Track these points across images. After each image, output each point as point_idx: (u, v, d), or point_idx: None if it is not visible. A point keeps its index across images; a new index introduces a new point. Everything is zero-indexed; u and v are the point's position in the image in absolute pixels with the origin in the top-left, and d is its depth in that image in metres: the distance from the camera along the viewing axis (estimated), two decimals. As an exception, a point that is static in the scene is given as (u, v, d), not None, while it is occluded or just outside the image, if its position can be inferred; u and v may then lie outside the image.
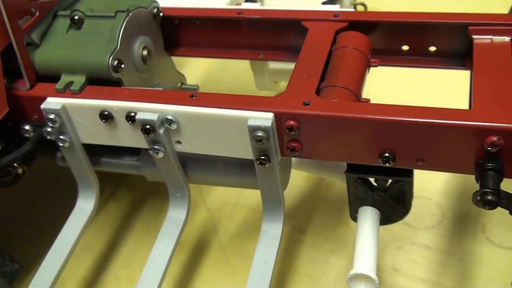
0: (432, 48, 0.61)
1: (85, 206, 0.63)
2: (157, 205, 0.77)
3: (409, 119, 0.47)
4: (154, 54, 0.64)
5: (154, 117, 0.53)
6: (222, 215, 0.75)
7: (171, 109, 0.53)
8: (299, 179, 0.75)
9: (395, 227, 0.68)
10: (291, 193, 0.75)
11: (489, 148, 0.46)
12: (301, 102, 0.51)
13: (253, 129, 0.50)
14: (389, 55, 0.62)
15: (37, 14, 0.59)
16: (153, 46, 0.63)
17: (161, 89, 0.64)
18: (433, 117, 0.47)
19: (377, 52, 0.62)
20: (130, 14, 0.59)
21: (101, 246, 0.73)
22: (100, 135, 0.58)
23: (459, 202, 0.70)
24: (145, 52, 0.61)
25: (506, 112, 0.46)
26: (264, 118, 0.50)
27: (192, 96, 0.54)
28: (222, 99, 0.53)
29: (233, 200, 0.76)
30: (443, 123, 0.46)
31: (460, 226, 0.67)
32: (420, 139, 0.48)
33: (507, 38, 0.55)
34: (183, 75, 0.72)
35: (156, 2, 0.64)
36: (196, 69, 0.99)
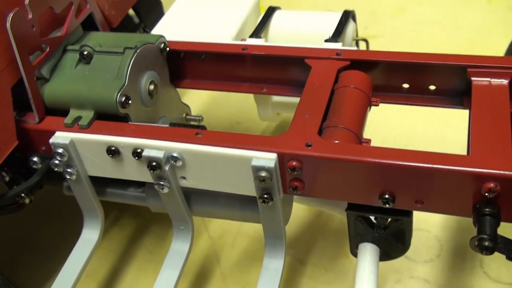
0: (432, 87, 0.62)
1: (90, 236, 0.64)
2: (160, 232, 0.78)
3: (409, 164, 0.49)
4: (160, 87, 0.66)
5: (160, 154, 0.54)
6: (223, 244, 0.76)
7: (176, 146, 0.54)
8: (300, 209, 0.77)
9: (394, 260, 0.69)
10: (292, 222, 0.76)
11: (486, 194, 0.47)
12: (304, 143, 0.52)
13: (256, 169, 0.52)
14: (389, 92, 0.64)
15: (47, 49, 0.60)
16: (159, 80, 0.65)
17: (167, 122, 0.66)
18: (432, 162, 0.48)
19: (378, 88, 0.63)
20: (138, 51, 0.60)
21: (104, 272, 0.74)
22: (107, 169, 0.59)
23: (457, 235, 0.71)
24: (151, 87, 0.63)
25: (503, 158, 0.48)
26: (267, 159, 0.52)
27: (197, 134, 0.55)
28: (226, 138, 0.54)
29: (235, 229, 0.77)
30: (442, 168, 0.48)
31: (459, 260, 0.68)
32: (419, 182, 0.49)
33: (505, 81, 0.57)
34: (188, 106, 0.73)
35: (163, 37, 0.65)
36: (200, 94, 1.00)
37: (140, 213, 0.81)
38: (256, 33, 0.69)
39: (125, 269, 0.74)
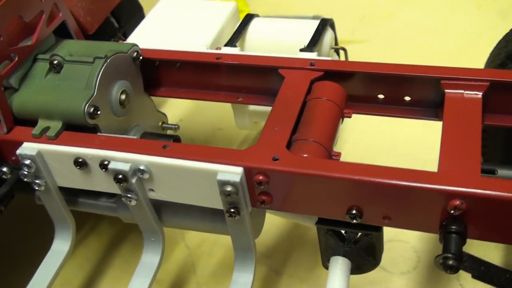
0: (407, 98, 0.61)
1: (60, 247, 0.63)
2: (137, 241, 0.77)
3: (375, 180, 0.48)
4: (133, 96, 0.65)
5: (126, 167, 0.54)
6: (200, 253, 0.75)
7: (143, 159, 0.54)
8: (277, 218, 0.76)
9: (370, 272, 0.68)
10: (269, 232, 0.75)
11: (452, 212, 0.46)
12: (271, 157, 0.51)
13: (222, 184, 0.51)
14: (364, 103, 0.63)
15: (16, 59, 0.59)
16: (132, 89, 0.64)
17: (140, 132, 0.65)
18: (398, 179, 0.47)
19: (353, 99, 0.62)
20: (108, 60, 0.60)
21: (79, 282, 0.74)
22: (76, 180, 0.59)
23: (435, 247, 0.70)
24: (123, 96, 0.62)
25: (470, 175, 0.47)
26: (233, 173, 0.51)
27: (164, 146, 0.55)
28: (193, 151, 0.53)
29: (212, 238, 0.76)
30: (408, 185, 0.47)
31: (435, 272, 0.68)
32: (386, 198, 0.49)
33: (478, 94, 0.56)
34: (164, 114, 0.73)
35: (136, 46, 0.64)
36: (182, 99, 1.00)
37: (118, 221, 0.80)
38: (231, 42, 0.68)
39: (100, 278, 0.74)
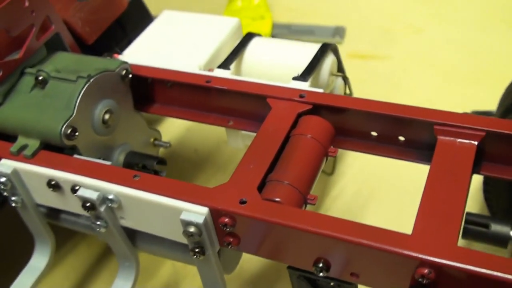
0: (401, 138, 0.58)
1: (38, 263, 0.63)
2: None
3: (343, 237, 0.45)
4: (120, 115, 0.63)
5: (94, 195, 0.52)
6: (186, 273, 0.74)
7: (112, 188, 0.52)
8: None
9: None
10: (256, 258, 0.73)
11: (419, 280, 0.43)
12: (239, 199, 0.49)
13: (185, 224, 0.49)
14: (356, 138, 0.59)
15: (1, 73, 0.59)
16: (118, 108, 0.63)
17: (127, 150, 0.64)
18: (367, 238, 0.44)
19: (344, 133, 0.59)
20: (91, 80, 0.58)
21: (63, 292, 0.74)
22: (51, 199, 0.58)
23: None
24: (107, 116, 0.61)
25: (444, 243, 0.43)
26: (197, 213, 0.49)
27: (135, 176, 0.53)
28: (162, 185, 0.51)
29: (200, 259, 0.75)
30: (376, 246, 0.44)
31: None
32: (354, 256, 0.46)
33: (473, 143, 0.52)
34: (157, 131, 0.71)
35: (125, 63, 0.63)
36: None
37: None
38: (225, 64, 0.65)
39: (84, 290, 0.73)
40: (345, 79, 0.68)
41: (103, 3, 0.73)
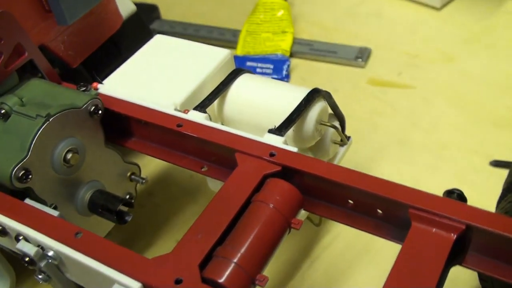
0: (380, 211, 0.51)
1: (-7, 299, 0.61)
2: None
3: None
4: (87, 152, 0.60)
5: (32, 251, 0.49)
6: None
7: (51, 245, 0.49)
8: None
9: None
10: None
11: None
12: (174, 278, 0.44)
13: (116, 297, 0.45)
14: (331, 203, 0.53)
15: (-38, 104, 0.56)
16: (83, 146, 0.59)
17: (95, 188, 0.61)
18: None
19: (318, 196, 0.53)
20: (50, 120, 0.55)
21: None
22: (3, 241, 0.55)
23: None
24: (69, 155, 0.57)
25: None
26: (129, 288, 0.45)
27: (77, 233, 0.49)
28: (101, 248, 0.48)
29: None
30: None
31: None
32: None
33: (451, 236, 0.45)
34: (134, 165, 0.67)
35: (96, 99, 0.59)
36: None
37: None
38: (202, 105, 0.60)
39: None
40: (336, 128, 0.61)
41: (90, 24, 0.69)
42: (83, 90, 0.62)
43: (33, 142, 0.54)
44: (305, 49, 1.02)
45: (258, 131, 0.61)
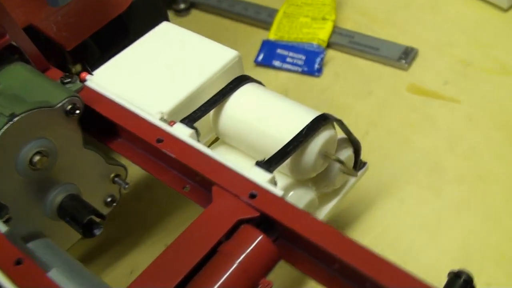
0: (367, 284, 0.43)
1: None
2: None
3: None
4: (60, 154, 0.54)
5: (-32, 272, 0.44)
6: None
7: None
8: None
9: None
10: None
11: None
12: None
13: None
14: (316, 259, 0.45)
15: None
16: (55, 148, 0.53)
17: (68, 191, 0.56)
18: None
19: (303, 248, 0.45)
20: (14, 120, 0.49)
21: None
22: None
23: None
24: (36, 158, 0.51)
25: None
26: None
27: (18, 263, 0.44)
28: (36, 283, 0.42)
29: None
30: None
31: None
32: None
33: None
34: (121, 167, 0.61)
35: (74, 96, 0.52)
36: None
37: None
38: (191, 118, 0.52)
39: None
40: (342, 163, 0.53)
41: (91, 3, 0.62)
42: (68, 82, 0.56)
43: (-8, 144, 0.48)
44: (345, 40, 0.91)
45: (255, 154, 0.53)
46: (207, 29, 1.01)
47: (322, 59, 0.89)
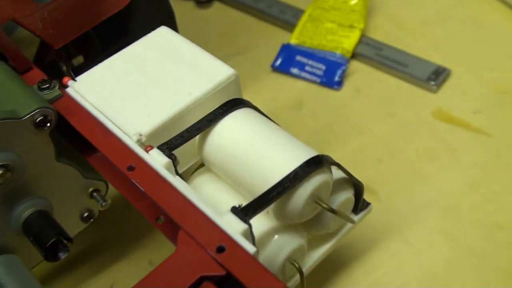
0: None
1: None
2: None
3: None
4: (31, 168, 0.49)
5: None
6: None
7: None
8: None
9: None
10: None
11: None
12: None
13: None
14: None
15: None
16: (21, 162, 0.48)
17: (35, 207, 0.51)
18: None
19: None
20: (-28, 132, 0.44)
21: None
22: None
23: None
24: (-1, 172, 0.47)
25: None
26: None
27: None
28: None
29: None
30: None
31: None
32: None
33: None
34: (100, 182, 0.56)
35: (46, 108, 0.47)
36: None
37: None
38: (169, 145, 0.47)
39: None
40: (335, 213, 0.46)
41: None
42: (46, 88, 0.51)
43: None
44: (371, 52, 0.84)
45: (241, 190, 0.48)
46: (227, 24, 0.95)
47: (343, 71, 0.81)
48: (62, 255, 0.49)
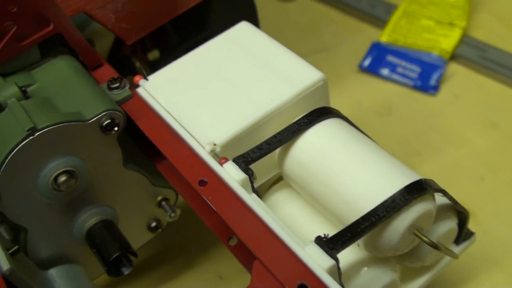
0: None
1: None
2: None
3: None
4: (96, 174, 0.45)
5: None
6: None
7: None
8: None
9: None
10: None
11: None
12: None
13: None
14: None
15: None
16: (86, 168, 0.44)
17: (93, 218, 0.47)
18: None
19: None
20: (35, 135, 0.40)
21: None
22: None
23: None
24: (61, 179, 0.43)
25: None
26: None
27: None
28: None
29: None
30: None
31: None
32: None
33: None
34: (169, 190, 0.52)
35: (115, 110, 0.43)
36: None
37: None
38: (245, 158, 0.41)
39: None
40: (437, 248, 0.39)
41: (161, -9, 0.52)
42: (115, 87, 0.47)
43: (7, 159, 0.40)
44: (474, 54, 0.75)
45: (324, 212, 0.42)
46: (311, 18, 0.88)
47: (441, 75, 0.73)
48: (126, 271, 0.45)
